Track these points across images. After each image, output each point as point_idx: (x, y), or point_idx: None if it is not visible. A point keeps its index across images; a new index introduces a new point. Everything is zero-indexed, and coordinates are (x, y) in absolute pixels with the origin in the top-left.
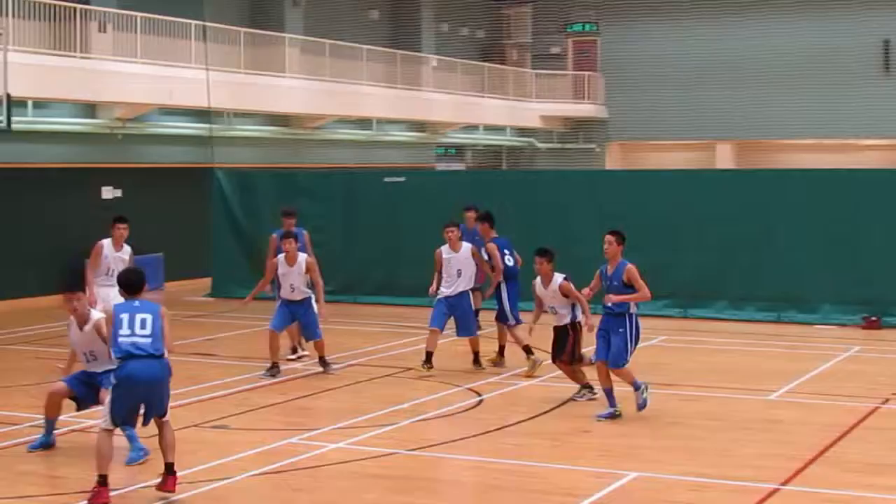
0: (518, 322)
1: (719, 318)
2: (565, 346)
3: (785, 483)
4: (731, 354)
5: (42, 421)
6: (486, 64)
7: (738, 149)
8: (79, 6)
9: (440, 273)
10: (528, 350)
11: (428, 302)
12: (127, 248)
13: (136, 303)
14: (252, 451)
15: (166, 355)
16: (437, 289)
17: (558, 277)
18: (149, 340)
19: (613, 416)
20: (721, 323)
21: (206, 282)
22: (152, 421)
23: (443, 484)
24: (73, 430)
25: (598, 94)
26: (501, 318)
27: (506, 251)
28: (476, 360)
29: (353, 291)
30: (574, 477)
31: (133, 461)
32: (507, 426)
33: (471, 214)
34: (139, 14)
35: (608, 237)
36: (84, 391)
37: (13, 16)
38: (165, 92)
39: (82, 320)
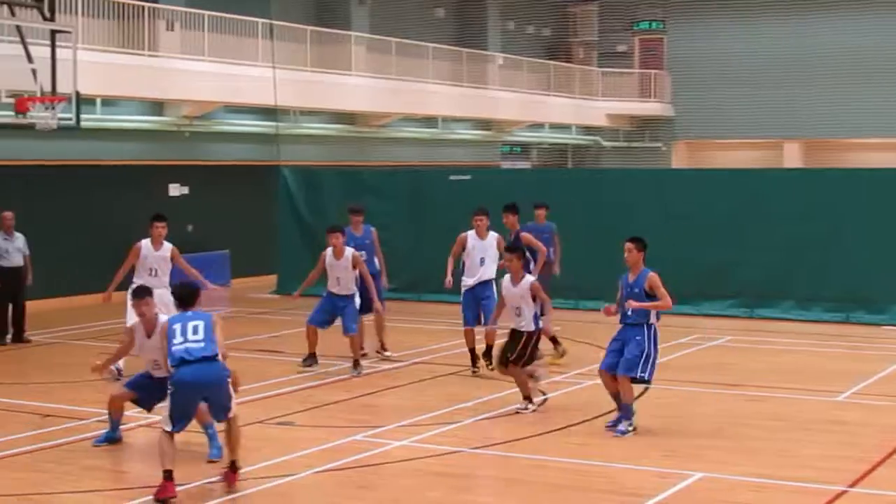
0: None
1: (786, 319)
2: (516, 349)
3: (852, 485)
4: (797, 355)
5: (107, 416)
6: (552, 62)
7: (805, 148)
8: (147, 5)
9: (455, 258)
10: (554, 340)
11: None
12: (167, 246)
13: (189, 313)
14: (316, 448)
15: (220, 358)
16: (449, 276)
17: (529, 277)
18: (201, 344)
19: (626, 433)
20: (787, 323)
21: (272, 279)
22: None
23: (506, 482)
24: (140, 426)
25: (664, 92)
26: None
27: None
28: (487, 354)
29: (417, 289)
30: (638, 477)
31: (215, 458)
32: (571, 425)
33: (541, 212)
34: (206, 12)
35: (628, 244)
36: (146, 394)
37: (82, 14)
38: (232, 90)
39: (150, 327)
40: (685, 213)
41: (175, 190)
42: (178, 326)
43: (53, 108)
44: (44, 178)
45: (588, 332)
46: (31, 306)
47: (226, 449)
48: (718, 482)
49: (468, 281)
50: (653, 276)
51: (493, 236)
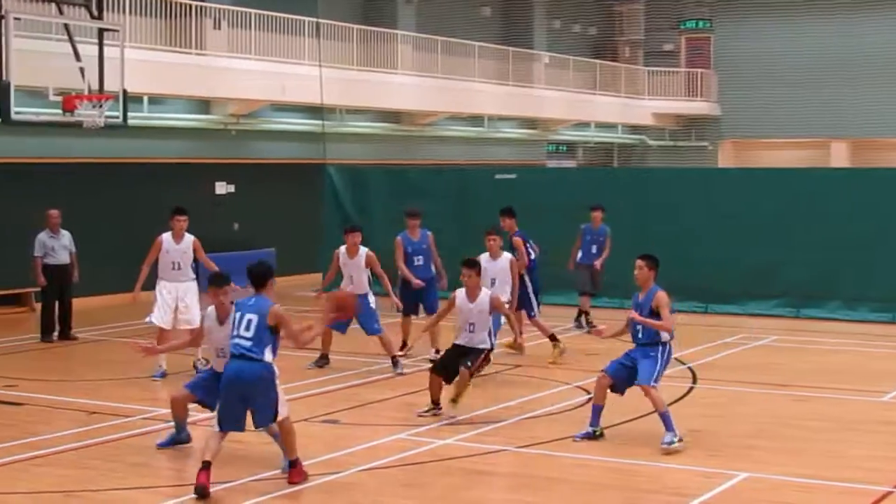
0: (539, 313)
1: (832, 319)
2: (474, 362)
3: None
4: (843, 355)
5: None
6: (598, 61)
7: (852, 147)
8: (194, 3)
9: None
10: (553, 338)
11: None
12: (189, 239)
13: (252, 300)
14: (361, 446)
15: (268, 359)
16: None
17: (486, 292)
18: (248, 343)
19: (592, 437)
20: (833, 323)
21: (317, 277)
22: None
23: (550, 481)
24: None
25: (710, 91)
26: (526, 307)
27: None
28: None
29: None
30: (683, 476)
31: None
32: (615, 425)
33: (597, 214)
34: (254, 11)
35: (638, 262)
36: (207, 393)
37: (130, 13)
38: (278, 88)
39: (224, 315)
40: (731, 213)
41: (221, 188)
42: (237, 316)
43: (101, 106)
44: (90, 176)
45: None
46: (78, 303)
47: (282, 449)
48: (763, 482)
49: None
50: (660, 295)
51: (506, 257)
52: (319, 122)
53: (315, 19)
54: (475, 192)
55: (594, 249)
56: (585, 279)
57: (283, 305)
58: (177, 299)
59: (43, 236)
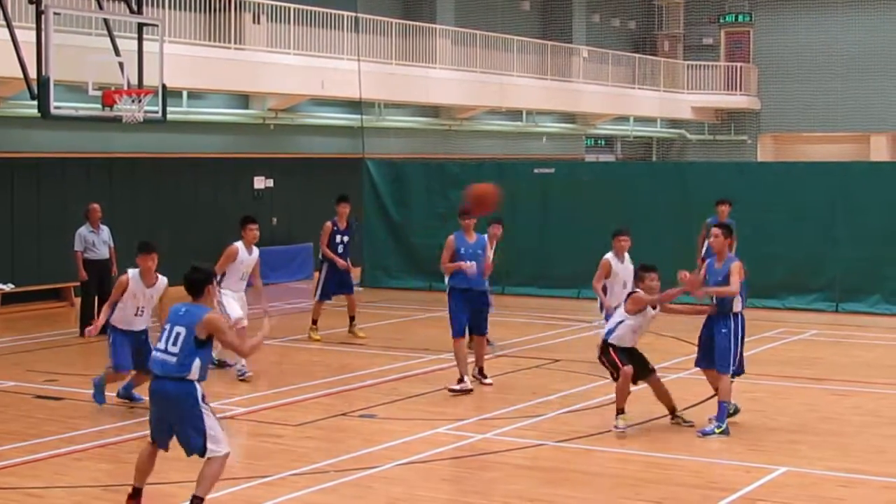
0: None
1: (873, 313)
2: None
3: None
4: (884, 350)
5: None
6: (638, 55)
7: (892, 140)
8: None
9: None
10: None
11: (576, 293)
12: (256, 252)
13: (183, 309)
14: (399, 441)
15: (193, 376)
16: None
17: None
18: (173, 360)
19: (708, 434)
20: (874, 317)
21: (356, 272)
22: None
23: (589, 476)
24: (230, 416)
25: (750, 85)
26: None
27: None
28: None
29: (501, 282)
30: (723, 471)
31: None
32: (654, 419)
33: (724, 208)
34: (293, 5)
35: (714, 230)
36: (125, 357)
37: (169, 7)
38: (317, 83)
39: (150, 281)
40: (772, 207)
41: (260, 183)
42: (167, 326)
43: (140, 100)
44: (130, 171)
45: (672, 326)
46: None
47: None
48: (805, 476)
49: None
50: (733, 265)
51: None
52: (358, 116)
53: (354, 14)
54: (514, 186)
55: None
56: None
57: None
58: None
59: (83, 231)
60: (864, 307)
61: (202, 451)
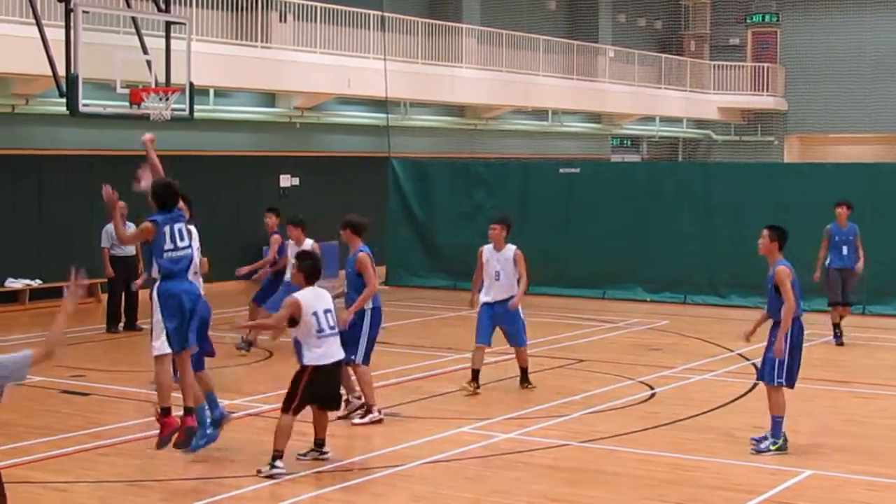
0: None
1: None
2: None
3: None
4: None
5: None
6: (664, 55)
7: None
8: None
9: (479, 275)
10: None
11: (599, 294)
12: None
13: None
14: (423, 440)
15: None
16: (476, 294)
17: None
18: None
19: (761, 452)
20: None
21: (381, 270)
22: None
23: (612, 476)
24: (248, 415)
25: (777, 85)
26: None
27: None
28: (524, 378)
29: None
30: (747, 473)
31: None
32: (678, 420)
33: (842, 210)
34: (320, 4)
35: (763, 231)
36: None
37: (197, 6)
38: (343, 82)
39: None
40: (798, 208)
41: (286, 181)
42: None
43: (167, 98)
44: None
45: (697, 327)
46: (143, 295)
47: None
48: (829, 479)
49: (484, 298)
50: (780, 271)
51: (510, 249)
52: (384, 115)
53: (380, 13)
54: (539, 186)
55: (845, 251)
56: (836, 286)
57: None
58: None
59: (109, 227)
60: (891, 310)
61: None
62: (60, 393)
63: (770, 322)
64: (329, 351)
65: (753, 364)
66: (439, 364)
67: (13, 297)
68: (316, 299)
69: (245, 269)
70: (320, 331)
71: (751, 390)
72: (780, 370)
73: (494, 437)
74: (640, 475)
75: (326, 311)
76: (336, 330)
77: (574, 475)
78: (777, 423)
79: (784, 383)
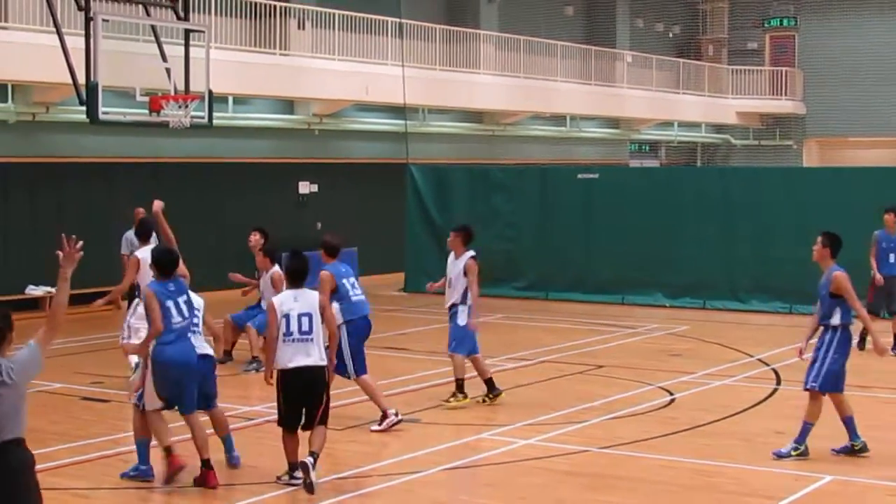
0: None
1: None
2: None
3: None
4: None
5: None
6: (682, 60)
7: None
8: (279, 4)
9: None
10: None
11: (619, 299)
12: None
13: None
14: (443, 446)
15: None
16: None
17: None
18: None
19: (850, 451)
20: None
21: (400, 276)
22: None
23: (633, 482)
24: (268, 421)
25: (795, 89)
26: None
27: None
28: (490, 388)
29: (545, 287)
30: (768, 478)
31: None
32: (699, 426)
33: (890, 217)
34: (337, 11)
35: (818, 238)
36: None
37: (216, 14)
38: (362, 88)
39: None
40: (818, 213)
41: (304, 187)
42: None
43: (187, 106)
44: (176, 175)
45: (717, 332)
46: None
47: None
48: (851, 485)
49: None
50: (838, 277)
51: (464, 257)
52: (402, 121)
53: (398, 19)
54: (557, 191)
55: (892, 259)
56: (880, 296)
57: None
58: None
59: (130, 235)
60: None
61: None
62: (81, 400)
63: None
64: (296, 357)
65: (773, 369)
66: None
67: (34, 304)
68: (292, 302)
69: (238, 278)
70: (287, 334)
71: (771, 395)
72: (816, 374)
73: (514, 443)
74: (661, 481)
75: (303, 315)
76: (309, 336)
77: (594, 481)
78: (805, 428)
79: (824, 387)
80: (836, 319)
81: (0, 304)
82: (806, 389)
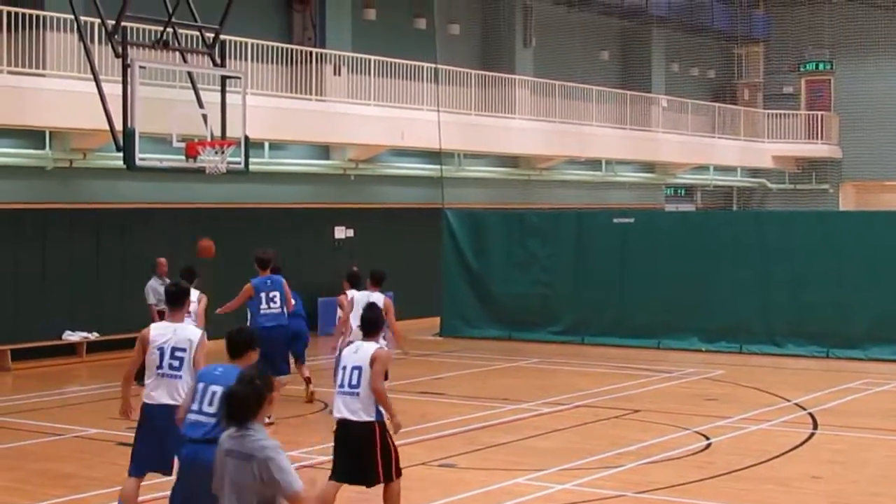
0: None
1: None
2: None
3: None
4: None
5: None
6: (717, 104)
7: None
8: (315, 50)
9: None
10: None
11: (654, 343)
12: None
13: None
14: (479, 491)
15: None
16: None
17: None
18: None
19: None
20: None
21: (436, 321)
22: None
23: None
24: (303, 466)
25: (831, 133)
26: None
27: None
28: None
29: (581, 332)
30: None
31: None
32: (735, 471)
33: None
34: (373, 57)
35: None
36: None
37: (252, 60)
38: (397, 133)
39: None
40: (854, 257)
41: (340, 232)
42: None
43: (223, 152)
44: (213, 221)
45: (753, 376)
46: None
47: None
48: None
49: None
50: None
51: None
52: (438, 166)
53: (434, 65)
54: (593, 236)
55: None
56: None
57: (406, 350)
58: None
59: (154, 283)
60: None
61: None
62: (117, 445)
63: None
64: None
65: (810, 414)
66: (495, 415)
67: (71, 349)
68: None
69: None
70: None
71: (807, 440)
72: None
73: (550, 488)
74: None
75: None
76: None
77: None
78: None
79: None
80: None
81: (38, 350)
82: None
